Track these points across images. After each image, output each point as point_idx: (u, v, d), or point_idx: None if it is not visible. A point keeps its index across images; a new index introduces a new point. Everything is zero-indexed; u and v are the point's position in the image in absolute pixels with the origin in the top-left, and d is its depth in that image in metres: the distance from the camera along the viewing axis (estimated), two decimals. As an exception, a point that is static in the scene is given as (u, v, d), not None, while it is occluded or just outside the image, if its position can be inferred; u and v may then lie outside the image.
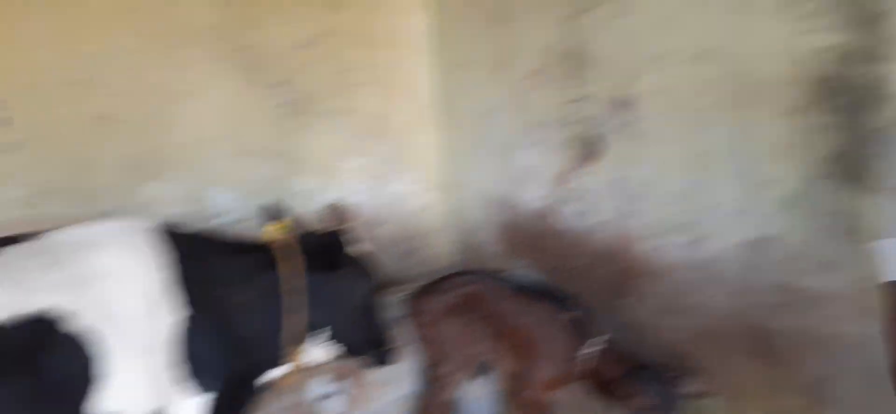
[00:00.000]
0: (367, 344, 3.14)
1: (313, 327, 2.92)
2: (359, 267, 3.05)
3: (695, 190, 3.07)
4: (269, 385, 2.94)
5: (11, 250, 2.11)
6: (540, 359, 3.24)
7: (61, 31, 3.50)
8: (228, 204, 3.94)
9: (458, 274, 3.60)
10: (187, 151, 3.83)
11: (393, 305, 3.21)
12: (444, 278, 3.54)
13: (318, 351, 3.05)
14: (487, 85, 4.20)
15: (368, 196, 4.43)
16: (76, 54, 3.54)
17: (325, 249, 2.91)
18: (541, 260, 3.95)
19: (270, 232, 2.84)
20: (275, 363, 2.85)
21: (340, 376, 3.70)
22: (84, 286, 2.08)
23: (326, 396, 3.64)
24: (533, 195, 3.98)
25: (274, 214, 2.91)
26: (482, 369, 3.57)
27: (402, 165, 4.60)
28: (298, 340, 2.85)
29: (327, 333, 3.00)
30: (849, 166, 2.54)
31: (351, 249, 3.02)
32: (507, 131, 4.11)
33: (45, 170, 3.50)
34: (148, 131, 3.73)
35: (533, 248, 4.01)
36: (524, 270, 3.95)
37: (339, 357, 3.13)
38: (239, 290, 2.64)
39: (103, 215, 2.55)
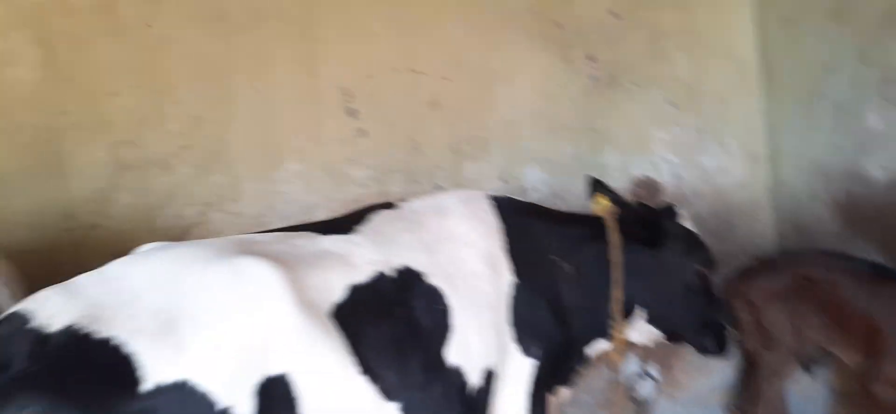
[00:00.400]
0: (691, 329, 2.99)
1: (631, 304, 2.89)
2: (683, 246, 2.91)
3: None
4: (591, 358, 2.98)
5: (381, 214, 2.46)
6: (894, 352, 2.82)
7: (396, 24, 3.91)
8: (539, 180, 4.06)
9: (789, 255, 3.28)
10: (503, 131, 4.03)
11: (714, 288, 3.01)
12: (772, 259, 3.26)
13: (638, 330, 3.01)
14: (824, 37, 3.71)
15: (680, 170, 4.22)
16: (407, 45, 3.93)
17: (646, 225, 2.85)
18: (896, 241, 3.40)
19: (594, 206, 2.88)
20: (596, 337, 2.87)
21: (654, 357, 3.62)
22: (433, 248, 2.35)
23: (641, 376, 3.59)
24: (887, 163, 3.43)
25: (598, 188, 2.93)
26: (814, 361, 3.21)
27: (717, 136, 4.30)
28: (619, 316, 2.83)
29: (645, 312, 2.94)
30: None
31: (675, 228, 2.91)
32: (849, 89, 3.59)
33: (385, 153, 3.96)
34: (469, 114, 4.00)
35: (886, 226, 3.46)
36: (872, 253, 3.44)
37: (660, 339, 3.04)
38: (562, 261, 2.71)
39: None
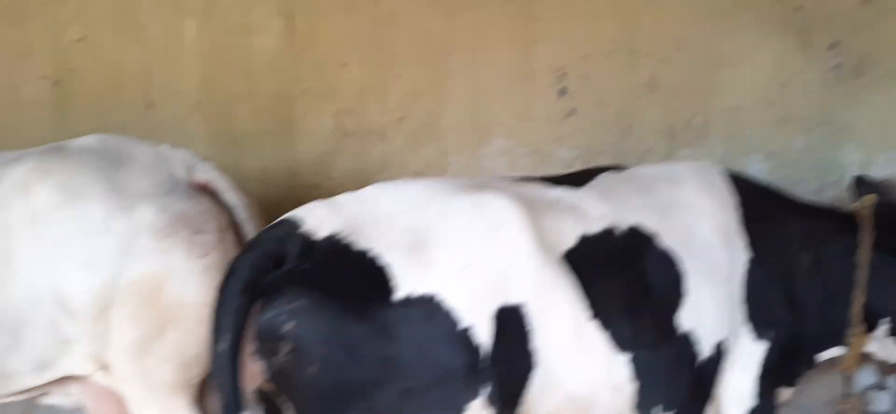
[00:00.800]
0: None
1: (875, 313, 2.65)
2: None
3: None
4: (821, 363, 2.75)
5: (611, 175, 2.48)
6: None
7: (617, 3, 3.81)
8: (762, 173, 3.76)
9: None
10: (725, 118, 3.79)
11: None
12: None
13: (882, 344, 2.71)
14: None
15: (931, 175, 3.71)
16: (628, 24, 3.81)
17: None
18: None
19: (857, 205, 2.70)
20: (830, 341, 2.67)
21: (889, 371, 3.24)
22: (665, 213, 2.32)
23: (878, 388, 3.22)
24: None
25: (863, 186, 2.76)
26: None
27: (983, 140, 3.73)
28: (859, 324, 2.62)
29: (887, 325, 2.67)
30: None
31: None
32: None
33: (594, 134, 3.88)
34: (688, 98, 3.80)
35: None
36: None
37: None
38: (801, 251, 2.58)
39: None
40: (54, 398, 2.94)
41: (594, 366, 2.00)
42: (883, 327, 2.68)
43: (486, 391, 1.80)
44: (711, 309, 2.28)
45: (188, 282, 2.56)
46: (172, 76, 4.12)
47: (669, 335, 2.17)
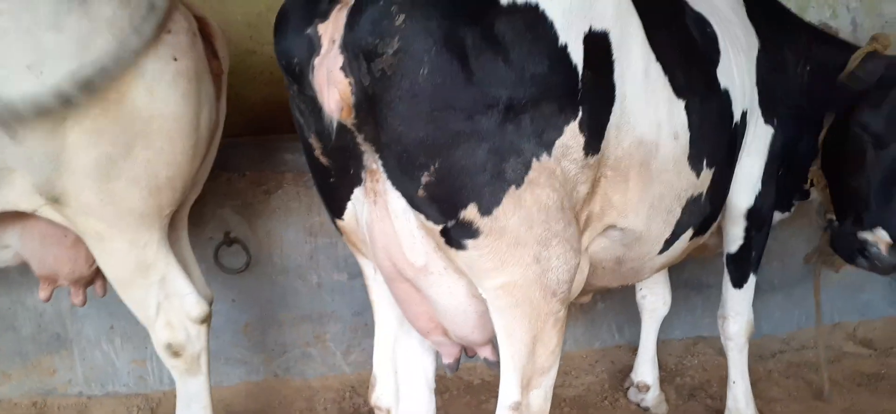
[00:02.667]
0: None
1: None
2: None
3: None
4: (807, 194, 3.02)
5: None
6: None
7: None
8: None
9: None
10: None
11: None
12: None
13: None
14: None
15: (859, 16, 3.94)
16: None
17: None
18: None
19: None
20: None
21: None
22: None
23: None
24: None
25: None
26: None
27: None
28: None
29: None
30: None
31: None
32: None
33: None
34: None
35: None
36: None
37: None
38: (800, 63, 2.76)
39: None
40: (-16, 254, 2.51)
41: (659, 108, 1.99)
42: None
43: (579, 116, 1.71)
44: (738, 74, 2.39)
45: (158, 90, 2.23)
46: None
47: (713, 88, 2.25)
